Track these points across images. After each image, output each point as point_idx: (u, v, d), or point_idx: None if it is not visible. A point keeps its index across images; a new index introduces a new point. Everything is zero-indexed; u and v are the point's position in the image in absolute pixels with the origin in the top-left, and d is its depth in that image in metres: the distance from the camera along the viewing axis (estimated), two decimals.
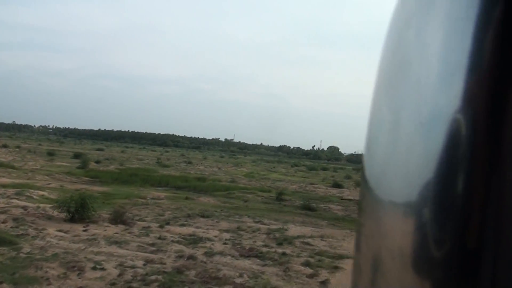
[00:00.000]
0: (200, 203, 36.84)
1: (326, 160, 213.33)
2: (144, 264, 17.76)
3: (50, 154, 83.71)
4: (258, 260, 19.30)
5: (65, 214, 25.66)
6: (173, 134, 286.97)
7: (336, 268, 18.67)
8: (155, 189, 45.97)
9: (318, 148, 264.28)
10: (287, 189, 54.10)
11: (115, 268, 17.05)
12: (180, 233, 23.77)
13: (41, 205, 29.06)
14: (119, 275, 16.26)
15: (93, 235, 22.24)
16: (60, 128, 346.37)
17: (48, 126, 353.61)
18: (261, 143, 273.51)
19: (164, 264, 17.97)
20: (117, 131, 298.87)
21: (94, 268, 16.78)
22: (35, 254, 18.37)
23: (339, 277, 17.46)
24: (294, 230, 26.89)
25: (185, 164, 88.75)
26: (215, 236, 23.45)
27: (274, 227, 27.25)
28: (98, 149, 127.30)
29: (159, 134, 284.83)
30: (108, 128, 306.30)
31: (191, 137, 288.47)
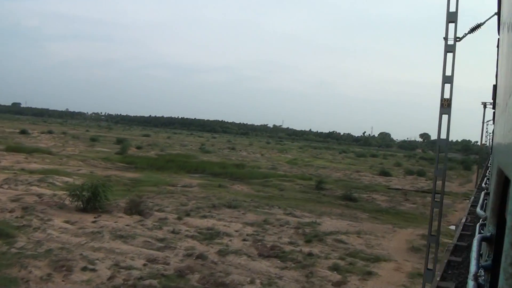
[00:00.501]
0: (232, 192, 34.40)
1: (377, 146, 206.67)
2: (144, 265, 15.39)
3: (93, 139, 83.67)
4: (278, 262, 16.56)
5: (78, 203, 23.83)
6: (222, 120, 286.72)
7: (369, 274, 15.65)
8: (190, 176, 43.93)
9: (369, 135, 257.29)
10: (330, 177, 50.92)
11: (108, 268, 14.77)
12: (197, 226, 21.35)
13: (59, 192, 27.42)
14: (110, 278, 13.95)
15: (101, 227, 20.14)
16: (112, 115, 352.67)
17: (101, 113, 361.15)
18: (310, 129, 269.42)
19: (167, 264, 15.54)
20: (166, 117, 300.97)
21: (84, 269, 14.55)
22: (28, 249, 16.37)
23: (371, 287, 14.47)
24: (328, 224, 23.92)
25: (228, 150, 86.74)
26: (236, 231, 20.86)
27: (306, 220, 24.38)
28: (145, 135, 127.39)
29: (208, 120, 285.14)
30: (159, 114, 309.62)
31: (240, 123, 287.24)
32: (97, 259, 15.57)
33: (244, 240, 19.22)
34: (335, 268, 15.92)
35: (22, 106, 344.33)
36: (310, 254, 17.40)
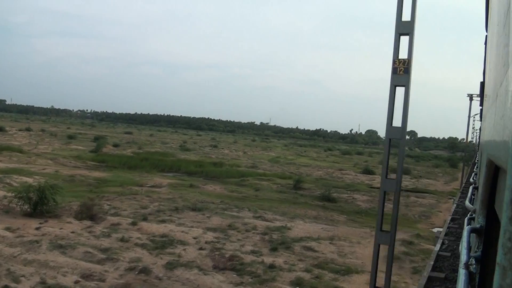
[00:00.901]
0: (203, 192, 32.23)
1: (364, 144, 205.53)
2: (76, 282, 13.18)
3: (71, 137, 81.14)
4: (235, 275, 14.44)
5: (25, 207, 21.54)
6: (208, 118, 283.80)
7: None
8: (163, 175, 41.70)
9: (356, 132, 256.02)
10: (311, 176, 48.97)
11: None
12: (151, 233, 19.15)
13: (11, 194, 25.03)
14: None
15: (42, 235, 17.85)
16: (98, 112, 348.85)
17: (86, 110, 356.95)
18: (297, 127, 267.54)
19: (103, 281, 13.34)
20: (152, 114, 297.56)
21: None
22: None
23: None
24: (300, 228, 21.85)
25: (210, 148, 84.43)
26: (195, 238, 18.70)
27: (276, 224, 22.29)
28: (127, 133, 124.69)
29: (194, 117, 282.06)
30: (147, 112, 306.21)
31: (226, 120, 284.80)
32: (24, 276, 13.35)
33: (200, 249, 17.07)
34: (297, 283, 13.84)
35: (7, 103, 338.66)
36: (272, 266, 15.30)
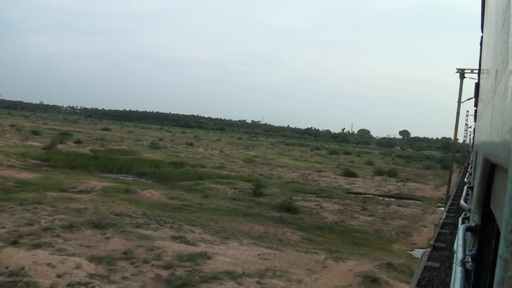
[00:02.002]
0: (134, 200, 26.32)
1: (355, 143, 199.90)
2: None
3: (36, 133, 75.26)
4: None
5: None
6: (197, 115, 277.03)
7: None
8: (105, 177, 35.81)
9: (348, 131, 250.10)
10: (283, 178, 43.16)
11: None
12: (5, 266, 13.26)
13: None
14: None
15: None
16: (88, 108, 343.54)
17: (76, 106, 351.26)
18: (288, 125, 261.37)
19: None
20: (141, 111, 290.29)
21: None
22: None
23: None
24: (227, 256, 15.98)
25: (185, 146, 78.40)
26: (59, 276, 12.83)
27: (196, 249, 16.39)
28: (105, 129, 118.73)
29: (182, 115, 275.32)
30: (141, 109, 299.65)
31: (216, 118, 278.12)
32: None
33: None
34: None
35: None
36: None
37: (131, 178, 37.40)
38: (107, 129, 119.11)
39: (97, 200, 25.25)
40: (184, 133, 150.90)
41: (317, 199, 31.63)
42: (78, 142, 64.63)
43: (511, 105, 1.07)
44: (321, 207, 28.64)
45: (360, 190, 39.98)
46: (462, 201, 5.76)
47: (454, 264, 2.26)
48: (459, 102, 27.19)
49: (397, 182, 49.55)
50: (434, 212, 30.77)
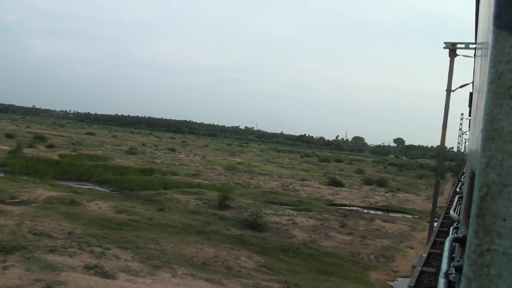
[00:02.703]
0: (75, 214, 22.49)
1: (348, 151, 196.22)
2: None
3: (9, 136, 71.91)
4: None
5: None
6: (190, 121, 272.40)
7: None
8: (55, 185, 31.92)
9: (342, 139, 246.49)
10: (260, 188, 39.43)
11: None
12: None
13: None
14: None
15: None
16: (81, 113, 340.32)
17: (69, 111, 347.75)
18: (281, 132, 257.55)
19: None
20: (133, 116, 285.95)
21: None
22: None
23: None
24: None
25: (166, 151, 74.49)
26: None
27: (108, 285, 12.61)
28: (89, 133, 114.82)
29: (174, 120, 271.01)
30: (136, 114, 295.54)
31: (209, 124, 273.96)
32: None
33: None
34: None
35: None
36: None
37: (88, 187, 33.59)
38: (92, 134, 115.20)
39: (29, 213, 21.45)
40: (173, 138, 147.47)
41: (292, 212, 27.86)
42: (50, 146, 60.70)
43: (482, 114, 1.07)
44: (293, 223, 24.89)
45: (344, 202, 36.28)
46: (451, 212, 6.05)
47: (439, 276, 2.34)
48: (448, 90, 19.94)
49: (386, 192, 45.86)
50: (424, 229, 27.05)
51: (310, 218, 26.59)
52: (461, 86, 18.34)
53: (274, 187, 40.65)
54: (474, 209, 1.00)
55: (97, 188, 33.57)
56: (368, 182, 52.04)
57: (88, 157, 50.47)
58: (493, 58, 0.98)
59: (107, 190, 32.76)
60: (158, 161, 56.49)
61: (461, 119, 51.29)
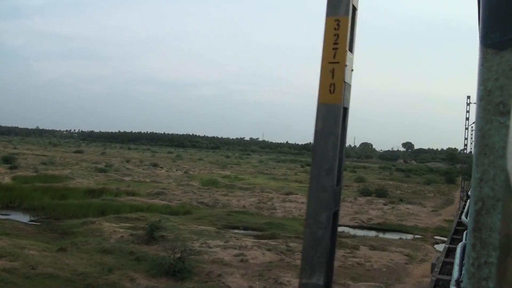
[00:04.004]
0: None
1: (356, 157, 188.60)
2: None
3: None
4: None
5: None
6: (192, 134, 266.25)
7: None
8: None
9: (349, 145, 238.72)
10: (230, 206, 32.70)
11: None
12: None
13: None
14: None
15: None
16: (85, 131, 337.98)
17: (74, 130, 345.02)
18: (287, 141, 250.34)
19: None
20: (135, 132, 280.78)
21: None
22: None
23: None
24: None
25: (146, 167, 67.86)
26: None
27: None
28: (77, 151, 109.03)
29: (176, 134, 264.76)
30: (143, 130, 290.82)
31: (212, 137, 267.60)
32: None
33: None
34: None
35: None
36: None
37: (8, 216, 27.05)
38: (80, 152, 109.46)
39: None
40: (170, 153, 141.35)
41: (249, 242, 20.97)
42: (14, 167, 54.54)
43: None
44: (241, 260, 18.08)
45: None
46: (463, 217, 6.34)
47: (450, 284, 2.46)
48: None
49: (385, 204, 38.84)
50: (425, 258, 20.10)
51: (270, 250, 19.73)
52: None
53: (248, 205, 33.81)
54: (470, 222, 1.00)
55: (18, 218, 27.00)
56: (365, 192, 44.99)
57: (45, 178, 44.24)
58: (481, 76, 1.01)
59: (25, 221, 26.16)
60: (128, 179, 49.98)
61: (472, 127, 45.43)
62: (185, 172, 63.35)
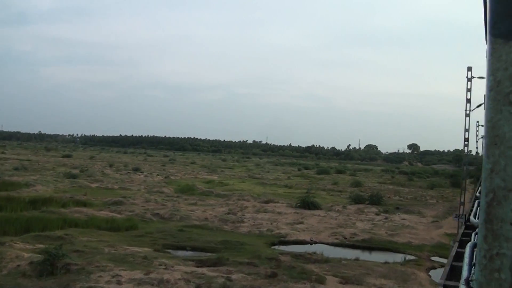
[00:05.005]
0: None
1: (359, 160, 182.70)
2: None
3: None
4: None
5: None
6: (194, 137, 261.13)
7: None
8: None
9: (354, 148, 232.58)
10: (190, 219, 27.62)
11: None
12: None
13: None
14: None
15: None
16: (88, 136, 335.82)
17: (76, 134, 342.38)
18: (290, 144, 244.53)
19: None
20: (136, 136, 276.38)
21: None
22: None
23: None
24: None
25: (125, 172, 62.81)
26: None
27: None
28: (66, 156, 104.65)
29: (177, 138, 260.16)
30: (149, 134, 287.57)
31: (214, 140, 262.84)
32: None
33: None
34: None
35: None
36: None
37: None
38: (69, 156, 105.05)
39: None
40: (167, 156, 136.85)
41: (174, 276, 15.76)
42: None
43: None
44: None
45: (302, 237, 24.21)
46: (472, 217, 6.38)
47: (460, 283, 2.44)
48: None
49: (378, 213, 33.61)
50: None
51: (199, 286, 14.53)
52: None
53: (212, 217, 28.64)
54: (482, 214, 1.01)
55: None
56: (357, 199, 39.70)
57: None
58: (491, 66, 1.01)
59: None
60: (95, 185, 45.12)
61: (477, 126, 41.26)
62: (165, 177, 58.32)
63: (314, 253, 20.31)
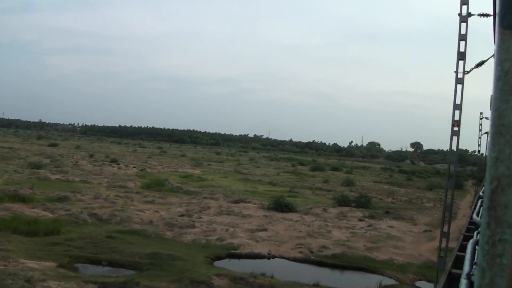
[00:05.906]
0: None
1: (361, 157, 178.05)
2: None
3: None
4: None
5: None
6: (193, 130, 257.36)
7: None
8: None
9: (356, 144, 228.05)
10: (131, 221, 23.17)
11: None
12: None
13: None
14: None
15: None
16: (88, 125, 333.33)
17: (77, 124, 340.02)
18: (290, 139, 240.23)
19: None
20: (135, 127, 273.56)
21: None
22: None
23: None
24: None
25: (100, 164, 58.34)
26: None
27: None
28: (52, 145, 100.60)
29: (176, 129, 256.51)
30: (150, 125, 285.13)
31: (214, 133, 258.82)
32: None
33: None
34: None
35: None
36: None
37: None
38: (55, 145, 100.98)
39: None
40: (160, 148, 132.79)
41: None
42: None
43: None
44: None
45: (262, 248, 19.69)
46: (474, 215, 6.33)
47: (461, 277, 2.51)
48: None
49: (362, 219, 29.00)
50: None
51: None
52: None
53: (159, 219, 24.08)
54: (485, 201, 1.02)
55: None
56: (342, 201, 35.11)
57: None
58: (499, 57, 1.03)
59: None
60: (55, 177, 40.72)
61: (481, 118, 39.37)
62: (141, 170, 53.87)
63: (263, 274, 15.77)
